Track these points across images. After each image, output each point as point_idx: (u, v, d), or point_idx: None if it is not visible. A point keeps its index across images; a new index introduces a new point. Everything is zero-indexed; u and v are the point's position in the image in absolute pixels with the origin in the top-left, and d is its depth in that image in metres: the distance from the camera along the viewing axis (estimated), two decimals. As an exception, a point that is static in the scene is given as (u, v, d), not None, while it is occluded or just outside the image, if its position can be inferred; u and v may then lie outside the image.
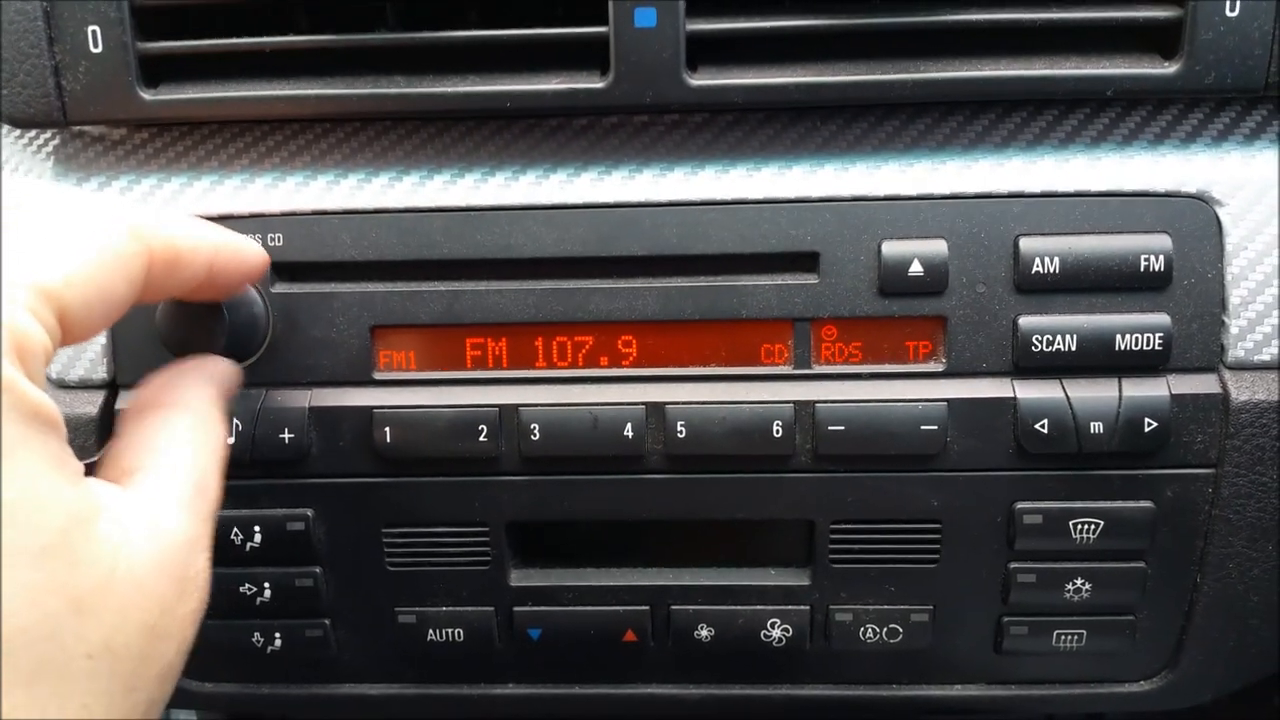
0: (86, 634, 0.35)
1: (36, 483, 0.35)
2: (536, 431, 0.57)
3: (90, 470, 0.43)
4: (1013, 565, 0.59)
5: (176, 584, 0.40)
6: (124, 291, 0.40)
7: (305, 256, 0.57)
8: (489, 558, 0.60)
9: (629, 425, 0.57)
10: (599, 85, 0.55)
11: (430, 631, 0.62)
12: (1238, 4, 0.53)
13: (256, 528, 0.59)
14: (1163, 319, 0.55)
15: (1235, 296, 0.56)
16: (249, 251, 0.50)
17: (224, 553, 0.58)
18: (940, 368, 0.57)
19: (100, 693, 0.36)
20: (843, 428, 0.56)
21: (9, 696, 0.33)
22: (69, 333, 0.38)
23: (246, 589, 0.60)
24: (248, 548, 0.59)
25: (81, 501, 0.37)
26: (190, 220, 0.46)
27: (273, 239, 0.57)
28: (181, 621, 0.40)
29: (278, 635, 0.62)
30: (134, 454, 0.43)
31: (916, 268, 0.55)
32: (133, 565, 0.38)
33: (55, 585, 0.35)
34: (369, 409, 0.57)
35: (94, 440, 0.58)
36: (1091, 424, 0.55)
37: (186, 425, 0.45)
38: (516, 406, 0.57)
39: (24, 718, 0.34)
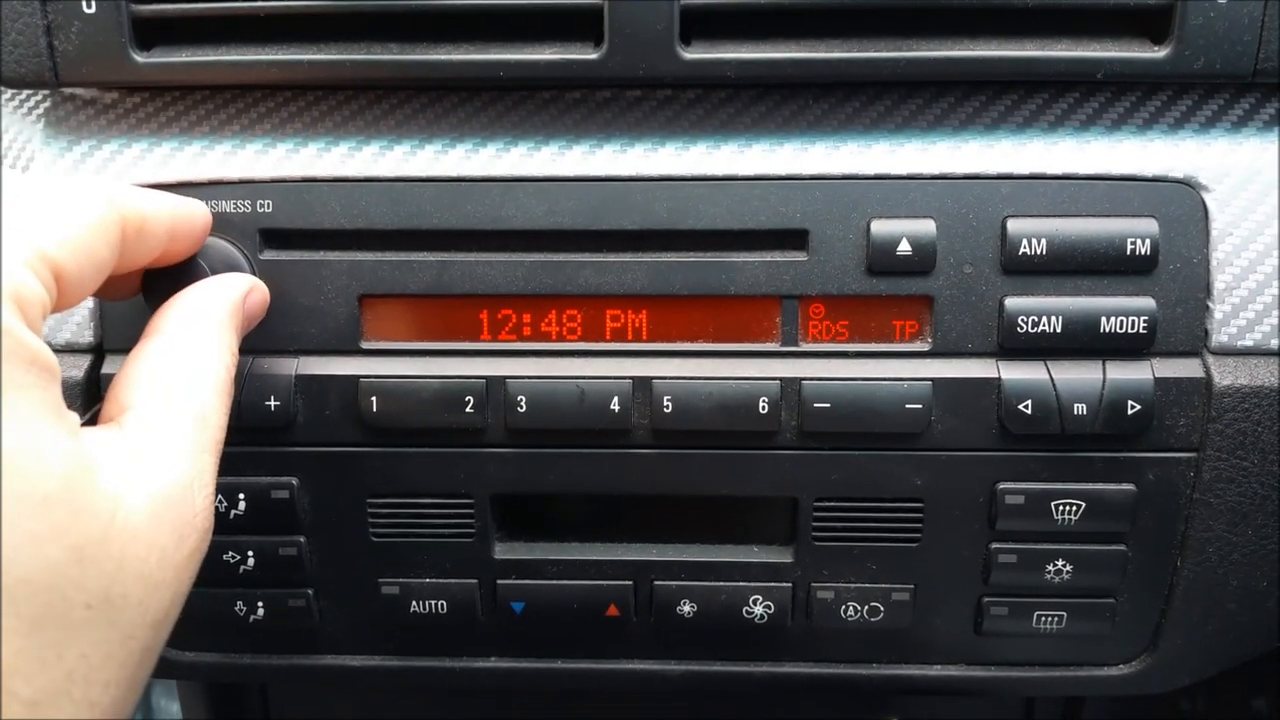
0: (86, 584, 0.36)
1: (38, 431, 0.35)
2: (523, 404, 0.57)
3: (92, 420, 0.43)
4: (994, 546, 0.59)
5: (174, 530, 0.40)
6: (106, 255, 0.42)
7: (294, 224, 0.57)
8: (473, 530, 0.60)
9: (616, 399, 0.57)
10: (592, 56, 0.55)
11: (413, 603, 0.62)
12: (1228, -9, 0.53)
13: (240, 495, 0.59)
14: (1148, 303, 0.55)
15: (1220, 282, 0.56)
16: (197, 212, 0.51)
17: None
18: (926, 347, 0.57)
19: (99, 642, 0.36)
20: (828, 405, 0.56)
21: (9, 644, 0.33)
22: (63, 294, 0.39)
23: (229, 557, 0.60)
24: (231, 515, 0.59)
25: (81, 452, 0.37)
26: (145, 190, 0.48)
27: (262, 205, 0.57)
28: (179, 567, 0.40)
29: (260, 604, 0.62)
30: (128, 388, 0.43)
31: (905, 247, 0.55)
32: (130, 515, 0.38)
33: (57, 535, 0.35)
34: (355, 378, 0.57)
35: (80, 404, 0.58)
36: (1075, 406, 0.55)
37: (182, 353, 0.45)
38: (503, 379, 0.57)
39: (24, 666, 0.34)
